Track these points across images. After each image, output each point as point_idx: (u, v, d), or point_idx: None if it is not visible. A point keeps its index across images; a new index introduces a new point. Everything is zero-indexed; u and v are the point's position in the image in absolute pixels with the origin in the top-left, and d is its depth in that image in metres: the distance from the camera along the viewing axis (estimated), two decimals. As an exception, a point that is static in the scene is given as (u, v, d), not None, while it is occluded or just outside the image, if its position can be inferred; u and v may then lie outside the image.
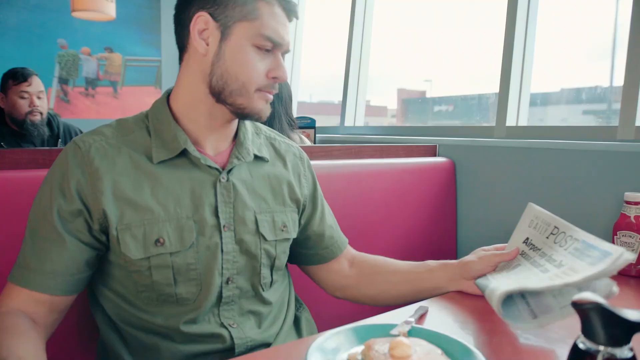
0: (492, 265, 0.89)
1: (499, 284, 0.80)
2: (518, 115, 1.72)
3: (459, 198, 1.65)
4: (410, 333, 0.69)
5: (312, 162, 1.19)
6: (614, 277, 0.79)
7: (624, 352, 0.52)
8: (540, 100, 1.86)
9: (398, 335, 0.66)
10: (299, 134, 1.86)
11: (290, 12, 0.86)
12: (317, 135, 2.38)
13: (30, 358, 0.68)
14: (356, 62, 2.67)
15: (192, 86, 0.86)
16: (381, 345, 0.62)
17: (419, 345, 0.64)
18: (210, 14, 0.82)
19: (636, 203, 1.09)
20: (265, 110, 0.86)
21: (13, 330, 0.71)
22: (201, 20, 0.82)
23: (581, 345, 0.54)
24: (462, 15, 2.31)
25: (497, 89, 1.76)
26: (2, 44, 4.33)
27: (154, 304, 0.83)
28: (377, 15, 2.68)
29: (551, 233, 0.85)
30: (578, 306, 0.53)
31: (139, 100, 5.00)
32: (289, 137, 1.67)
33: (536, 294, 0.78)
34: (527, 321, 0.76)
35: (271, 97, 0.87)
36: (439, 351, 0.64)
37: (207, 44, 0.83)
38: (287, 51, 0.87)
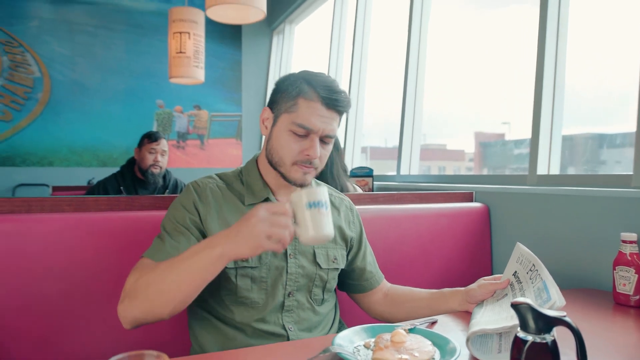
0: (489, 292, 1.11)
1: (477, 321, 0.97)
2: (549, 163, 1.90)
3: (493, 240, 1.85)
4: (412, 331, 0.95)
5: (360, 207, 1.49)
6: (615, 306, 1.00)
7: (547, 338, 0.75)
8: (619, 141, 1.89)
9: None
10: (353, 183, 2.16)
11: (330, 105, 1.10)
12: (374, 182, 2.67)
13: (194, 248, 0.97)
14: (410, 116, 2.95)
15: (264, 155, 1.20)
16: (386, 335, 0.89)
17: (415, 337, 0.90)
18: (270, 108, 1.17)
19: (631, 242, 1.26)
20: (303, 179, 1.13)
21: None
22: (265, 112, 1.18)
23: (520, 335, 0.78)
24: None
25: (581, 130, 1.83)
26: (113, 105, 5.10)
27: (235, 304, 1.13)
28: (449, 55, 2.82)
29: (530, 270, 1.04)
30: (515, 306, 0.78)
31: (222, 151, 5.59)
32: (344, 183, 1.97)
33: (509, 330, 0.90)
34: (490, 354, 0.89)
35: (309, 169, 1.13)
36: (429, 342, 0.89)
37: (267, 128, 1.17)
38: (326, 136, 1.12)
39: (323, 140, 1.14)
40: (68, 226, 1.23)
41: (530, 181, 1.89)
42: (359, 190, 2.11)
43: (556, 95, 1.94)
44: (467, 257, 1.80)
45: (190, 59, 3.60)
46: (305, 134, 1.11)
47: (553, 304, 0.90)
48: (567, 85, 1.93)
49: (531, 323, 0.76)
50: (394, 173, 3.03)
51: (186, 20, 3.62)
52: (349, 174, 2.10)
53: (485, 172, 2.95)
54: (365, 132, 3.86)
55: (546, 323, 0.75)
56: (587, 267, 1.53)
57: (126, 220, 1.29)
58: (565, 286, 1.55)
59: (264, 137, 1.20)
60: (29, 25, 4.86)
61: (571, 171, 2.11)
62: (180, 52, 3.59)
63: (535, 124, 1.94)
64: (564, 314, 0.75)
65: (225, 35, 5.39)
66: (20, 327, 1.17)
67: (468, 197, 1.93)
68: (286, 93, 1.13)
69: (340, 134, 3.66)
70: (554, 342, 0.76)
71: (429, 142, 3.50)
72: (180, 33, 3.61)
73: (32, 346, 1.18)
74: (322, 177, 1.89)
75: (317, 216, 0.92)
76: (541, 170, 1.89)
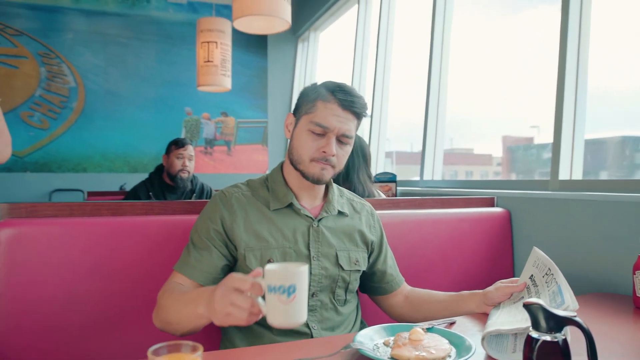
0: (506, 294, 1.14)
1: (493, 322, 1.01)
2: (572, 168, 1.90)
3: (515, 245, 1.87)
4: (430, 330, 1.00)
5: (382, 212, 1.54)
6: (635, 310, 1.05)
7: (557, 337, 0.79)
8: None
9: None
10: (376, 188, 2.20)
11: (346, 106, 1.18)
12: (398, 188, 2.70)
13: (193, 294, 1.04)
14: (433, 121, 2.97)
15: (288, 159, 1.26)
16: (405, 334, 0.94)
17: (432, 336, 0.94)
18: (293, 113, 1.26)
19: (650, 247, 1.28)
20: (321, 176, 1.20)
21: (181, 288, 1.11)
22: (289, 117, 1.27)
23: (532, 334, 0.81)
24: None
25: (618, 132, 1.83)
26: (143, 113, 5.26)
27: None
28: (475, 59, 2.83)
29: (546, 273, 1.07)
30: (527, 306, 0.82)
31: (249, 156, 5.70)
32: (370, 189, 2.03)
33: (523, 331, 0.92)
34: (505, 354, 0.93)
35: (326, 166, 1.20)
36: (446, 341, 0.93)
37: (289, 131, 1.26)
38: (343, 135, 1.19)
39: (340, 140, 1.21)
40: (106, 229, 1.32)
41: (552, 186, 1.91)
42: (382, 196, 2.16)
43: (578, 98, 1.93)
44: (488, 262, 1.82)
45: (218, 67, 3.71)
46: (322, 132, 1.18)
47: (566, 307, 0.93)
48: (600, 89, 1.90)
49: (542, 322, 0.80)
50: (418, 178, 3.06)
51: (214, 30, 3.72)
52: (373, 180, 2.15)
53: (513, 176, 2.95)
54: (391, 136, 3.89)
55: (557, 322, 0.79)
56: (608, 271, 1.54)
57: (160, 224, 1.37)
58: (586, 290, 1.56)
59: (288, 143, 1.26)
60: (65, 37, 5.07)
61: (604, 176, 2.10)
62: (208, 61, 3.70)
63: (557, 128, 1.94)
64: (575, 314, 0.78)
65: (251, 44, 5.51)
66: (63, 321, 1.25)
67: (489, 202, 1.95)
68: (306, 97, 1.23)
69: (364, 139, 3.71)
70: (565, 341, 0.79)
71: (455, 146, 3.50)
72: (208, 42, 3.72)
73: (73, 339, 1.26)
74: (349, 181, 1.95)
75: (274, 303, 0.82)
76: (563, 175, 1.90)
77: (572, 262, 1.64)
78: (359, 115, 1.23)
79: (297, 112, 1.25)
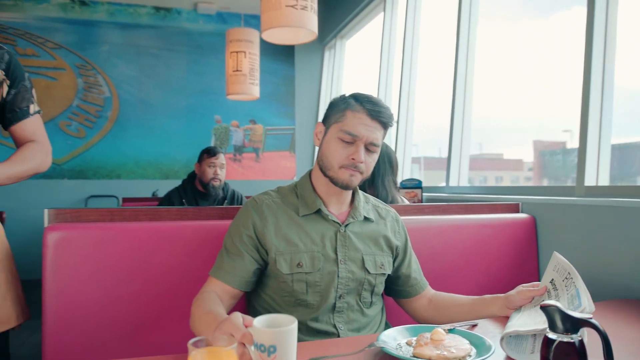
0: (527, 298, 1.17)
1: (512, 324, 1.04)
2: (598, 174, 1.90)
3: (540, 251, 1.88)
4: (451, 331, 1.04)
5: (407, 217, 1.58)
6: None
7: (574, 338, 0.82)
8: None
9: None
10: (401, 195, 2.24)
11: (374, 115, 1.25)
12: (423, 194, 2.73)
13: (221, 310, 1.10)
14: (459, 127, 2.99)
15: (317, 167, 1.32)
16: (427, 334, 0.98)
17: (453, 337, 0.98)
18: (322, 122, 1.32)
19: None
20: (349, 182, 1.26)
21: (212, 299, 1.17)
22: (318, 126, 1.32)
23: (549, 335, 0.85)
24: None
25: None
26: (175, 121, 5.43)
27: (292, 305, 1.26)
28: (505, 64, 2.83)
29: (565, 277, 1.10)
30: (544, 308, 0.85)
31: (277, 163, 5.80)
32: (394, 195, 2.07)
33: (541, 332, 0.96)
34: (524, 354, 0.96)
35: (354, 172, 1.25)
36: (467, 341, 0.97)
37: (319, 140, 1.31)
38: (371, 143, 1.25)
39: (368, 148, 1.26)
40: (145, 233, 1.40)
41: (578, 192, 1.91)
42: (405, 202, 2.20)
43: (604, 101, 1.93)
44: (513, 268, 1.84)
45: (246, 76, 3.81)
46: (351, 140, 1.24)
47: (583, 309, 0.96)
48: (629, 90, 1.88)
49: (559, 324, 0.83)
50: (444, 184, 3.08)
51: (242, 40, 3.83)
52: (398, 187, 2.19)
53: (545, 182, 2.93)
54: (419, 142, 3.91)
55: (573, 324, 0.82)
56: (633, 278, 1.55)
57: (194, 229, 1.44)
58: (610, 296, 1.57)
59: (316, 151, 1.32)
60: (101, 50, 5.27)
61: (632, 182, 2.07)
62: (237, 70, 3.81)
63: (582, 132, 1.94)
64: (590, 316, 0.81)
65: (278, 52, 5.62)
66: (105, 318, 1.34)
67: (514, 208, 1.97)
68: (336, 108, 1.29)
69: (391, 146, 3.74)
70: (581, 342, 0.82)
71: (485, 151, 3.50)
72: (237, 52, 3.82)
73: (114, 336, 1.35)
74: (373, 187, 1.99)
75: (257, 357, 0.82)
76: (589, 181, 1.90)
77: (596, 267, 1.65)
78: (385, 125, 1.28)
79: (327, 121, 1.31)
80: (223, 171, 3.04)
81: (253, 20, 5.35)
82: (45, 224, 1.37)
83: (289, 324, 0.82)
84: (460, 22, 3.02)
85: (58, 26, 5.17)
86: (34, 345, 2.91)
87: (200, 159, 3.04)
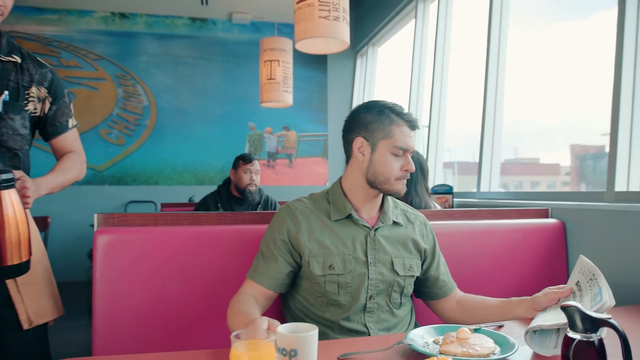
0: (553, 299, 1.20)
1: (536, 320, 1.10)
2: (628, 179, 1.89)
3: (569, 256, 1.88)
4: (477, 331, 1.08)
5: (437, 222, 1.63)
6: None
7: (593, 337, 0.86)
8: None
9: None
10: (433, 200, 2.28)
11: (412, 126, 1.35)
12: (455, 199, 2.76)
13: (253, 310, 1.19)
14: (490, 132, 3.00)
15: (355, 177, 1.38)
16: (453, 333, 1.03)
17: (478, 336, 1.03)
18: (364, 138, 1.36)
19: None
20: (402, 190, 1.35)
21: (247, 300, 1.25)
22: (359, 142, 1.36)
23: (569, 334, 0.89)
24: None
25: None
26: (210, 128, 5.59)
27: (324, 306, 1.32)
28: (540, 68, 2.80)
29: (590, 279, 1.13)
30: (565, 309, 0.89)
31: (310, 169, 5.89)
32: (427, 201, 2.12)
33: (564, 328, 1.01)
34: (547, 349, 1.02)
35: (405, 180, 1.35)
36: (491, 340, 1.02)
37: (363, 155, 1.36)
38: (413, 152, 1.36)
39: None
40: (186, 237, 1.49)
41: (608, 198, 1.91)
42: (438, 207, 2.24)
43: (635, 106, 1.92)
44: (542, 273, 1.85)
45: (280, 84, 3.90)
46: (401, 153, 1.33)
47: (603, 304, 1.00)
48: None
49: (579, 323, 0.87)
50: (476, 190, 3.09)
51: (276, 49, 3.92)
52: (430, 192, 2.23)
53: (583, 187, 2.89)
54: (453, 147, 3.92)
55: (592, 323, 0.86)
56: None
57: (231, 233, 1.53)
58: (638, 301, 1.57)
59: (366, 166, 1.36)
60: (140, 60, 5.49)
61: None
62: (271, 79, 3.91)
63: (612, 137, 1.93)
64: (609, 316, 0.85)
65: (311, 60, 5.71)
66: (150, 317, 1.43)
67: (543, 214, 1.98)
68: (378, 123, 1.34)
69: (421, 151, 3.77)
70: (600, 341, 0.86)
71: (520, 156, 3.47)
72: (271, 61, 3.92)
73: (158, 334, 1.44)
74: (407, 194, 2.04)
75: None
76: (620, 186, 1.90)
77: (625, 273, 1.65)
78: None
79: (370, 136, 1.35)
80: (258, 177, 3.13)
81: (286, 29, 5.47)
82: (95, 227, 1.47)
83: (310, 330, 0.88)
84: (491, 26, 3.03)
85: (99, 38, 5.41)
86: (77, 344, 3.07)
87: (236, 166, 3.13)
